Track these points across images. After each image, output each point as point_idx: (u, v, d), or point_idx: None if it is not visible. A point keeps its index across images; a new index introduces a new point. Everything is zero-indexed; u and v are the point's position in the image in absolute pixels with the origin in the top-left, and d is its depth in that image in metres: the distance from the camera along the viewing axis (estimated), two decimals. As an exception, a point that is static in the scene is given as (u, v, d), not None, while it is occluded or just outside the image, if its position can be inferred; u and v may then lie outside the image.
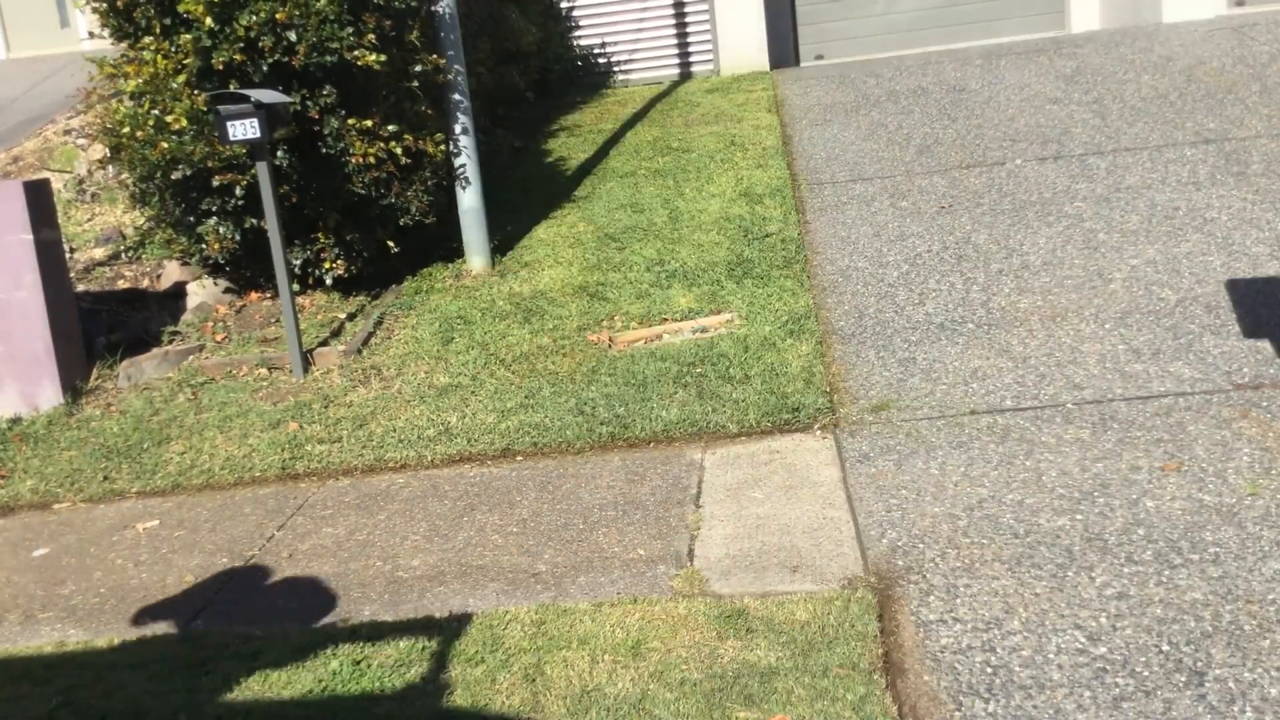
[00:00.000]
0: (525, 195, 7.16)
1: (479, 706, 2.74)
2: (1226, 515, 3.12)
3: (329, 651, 3.07)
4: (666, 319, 5.22)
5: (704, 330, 5.04)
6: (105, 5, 5.60)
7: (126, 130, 5.50)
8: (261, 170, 5.14)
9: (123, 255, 6.86)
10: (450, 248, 6.37)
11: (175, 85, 5.45)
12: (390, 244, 5.97)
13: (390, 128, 5.69)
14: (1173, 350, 4.21)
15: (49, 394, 5.36)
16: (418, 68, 5.84)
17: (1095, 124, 6.77)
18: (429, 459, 4.34)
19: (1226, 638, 2.61)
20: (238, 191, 5.56)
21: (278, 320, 5.87)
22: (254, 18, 5.28)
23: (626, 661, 2.83)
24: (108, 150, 5.78)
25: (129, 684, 3.08)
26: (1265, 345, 4.14)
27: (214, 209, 5.68)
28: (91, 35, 5.89)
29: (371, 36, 5.50)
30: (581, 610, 3.10)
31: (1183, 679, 2.49)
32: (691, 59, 9.90)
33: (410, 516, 3.90)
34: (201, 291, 6.28)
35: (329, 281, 5.95)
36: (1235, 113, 6.60)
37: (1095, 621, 2.74)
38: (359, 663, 3.01)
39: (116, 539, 4.07)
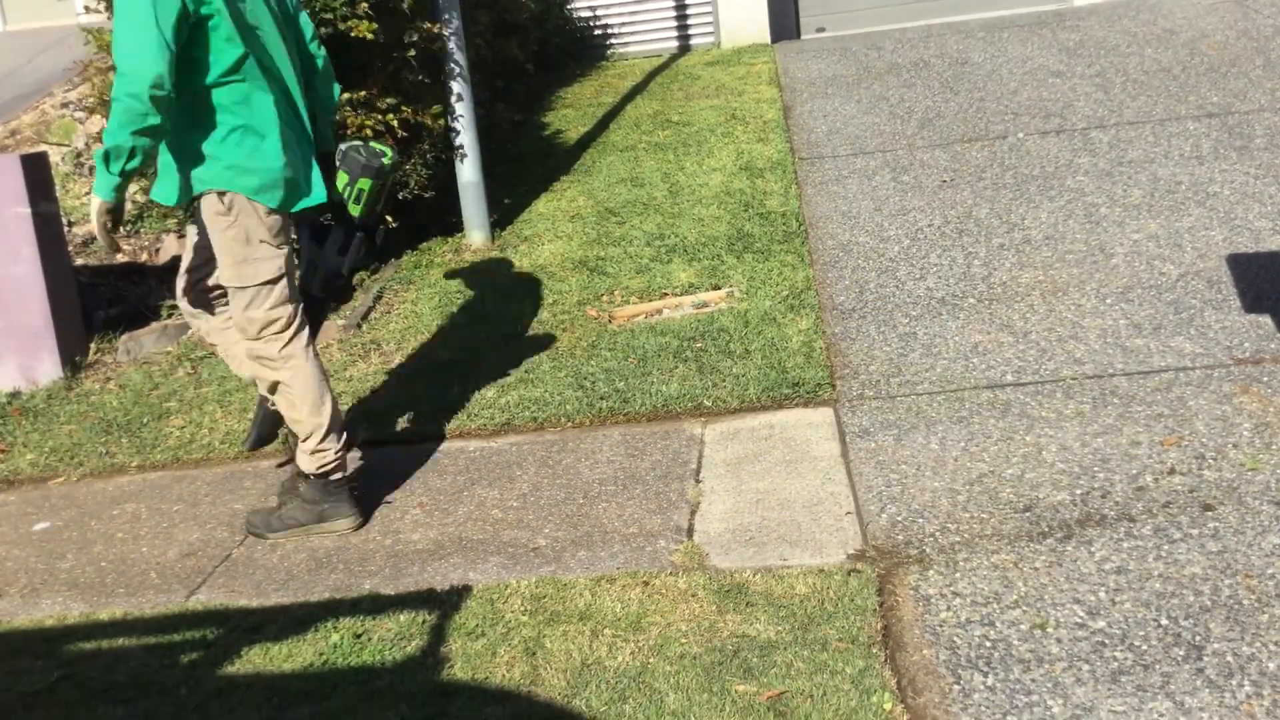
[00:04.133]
0: (525, 169, 7.13)
1: (479, 680, 2.75)
2: (1227, 490, 3.12)
3: (329, 625, 3.08)
4: (666, 293, 5.21)
5: (704, 305, 5.03)
6: (101, -24, 5.55)
7: (123, 103, 5.46)
8: (259, 143, 5.11)
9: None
10: (449, 222, 6.35)
11: (172, 57, 5.41)
12: (389, 218, 5.95)
13: (388, 100, 5.66)
14: (1174, 325, 4.20)
15: (48, 368, 5.35)
16: (414, 37, 5.79)
17: (1098, 97, 6.74)
18: (429, 434, 4.33)
19: (1225, 612, 2.61)
20: (236, 165, 5.53)
21: (277, 294, 5.85)
22: (251, -11, 5.23)
23: (626, 635, 2.84)
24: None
25: (130, 657, 3.09)
26: (1266, 320, 4.13)
27: (212, 182, 5.66)
28: (87, 9, 5.85)
29: (365, 5, 5.46)
30: (581, 584, 3.11)
31: (1181, 653, 2.50)
32: (691, 31, 9.83)
33: (411, 491, 3.90)
34: (200, 265, 6.26)
35: (328, 256, 5.93)
36: (1238, 86, 6.57)
37: (1094, 596, 2.74)
38: (359, 636, 3.02)
39: (117, 513, 4.08)
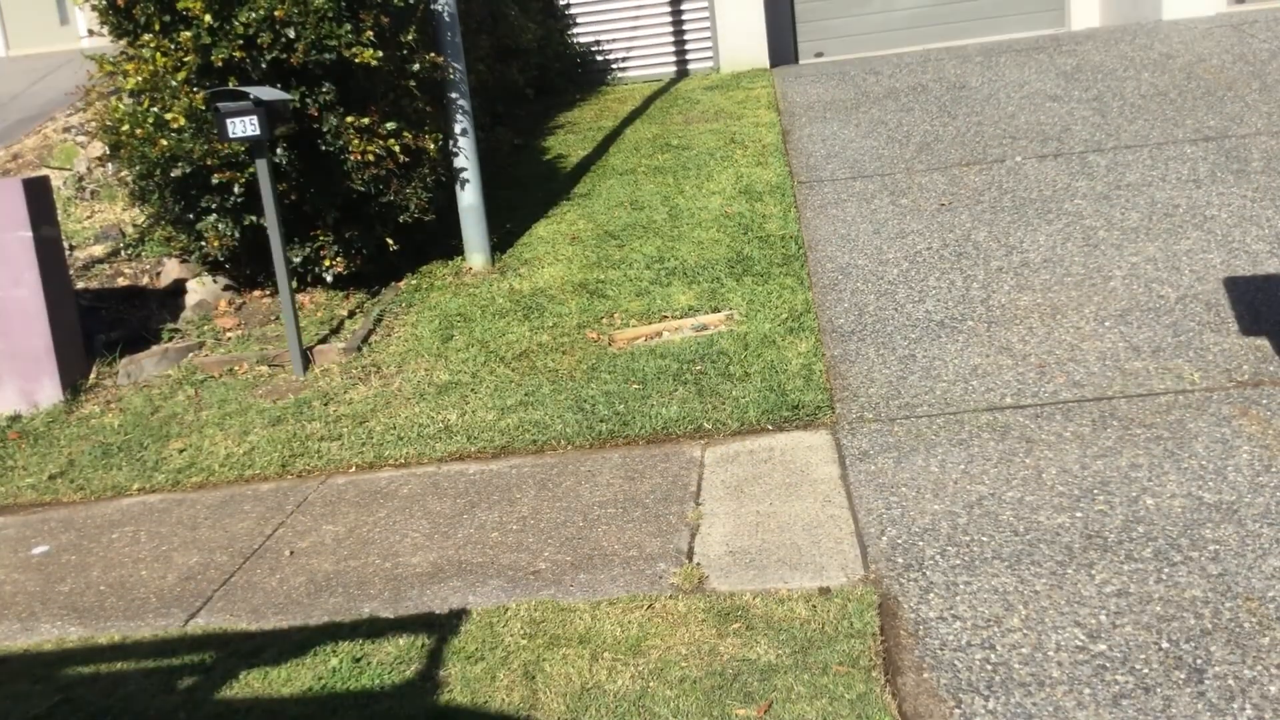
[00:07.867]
0: (525, 193, 7.16)
1: (478, 704, 2.74)
2: (1226, 512, 3.12)
3: (329, 649, 3.07)
4: (666, 316, 5.22)
5: (704, 328, 5.04)
6: (105, 2, 5.59)
7: (126, 128, 5.49)
8: (261, 168, 5.14)
9: (122, 252, 6.85)
10: (450, 245, 6.36)
11: (175, 83, 5.45)
12: (390, 241, 5.97)
13: (389, 125, 5.69)
14: (1173, 348, 4.21)
15: (49, 391, 5.36)
16: (416, 65, 5.83)
17: (1095, 121, 6.77)
18: (429, 456, 4.34)
19: (1226, 635, 2.61)
20: (236, 189, 5.56)
21: (278, 317, 5.87)
22: (253, 15, 5.27)
23: (626, 659, 2.83)
24: (107, 148, 5.78)
25: (129, 681, 3.08)
26: (1264, 343, 4.14)
27: (213, 206, 5.68)
28: (91, 33, 5.89)
29: (369, 34, 5.50)
30: (581, 608, 3.10)
31: (1182, 676, 2.49)
32: (691, 56, 9.89)
33: (410, 514, 3.90)
34: (201, 289, 6.28)
35: (329, 279, 5.94)
36: (1235, 110, 6.60)
37: (1095, 619, 2.74)
38: (359, 660, 3.01)
39: (116, 536, 4.07)
